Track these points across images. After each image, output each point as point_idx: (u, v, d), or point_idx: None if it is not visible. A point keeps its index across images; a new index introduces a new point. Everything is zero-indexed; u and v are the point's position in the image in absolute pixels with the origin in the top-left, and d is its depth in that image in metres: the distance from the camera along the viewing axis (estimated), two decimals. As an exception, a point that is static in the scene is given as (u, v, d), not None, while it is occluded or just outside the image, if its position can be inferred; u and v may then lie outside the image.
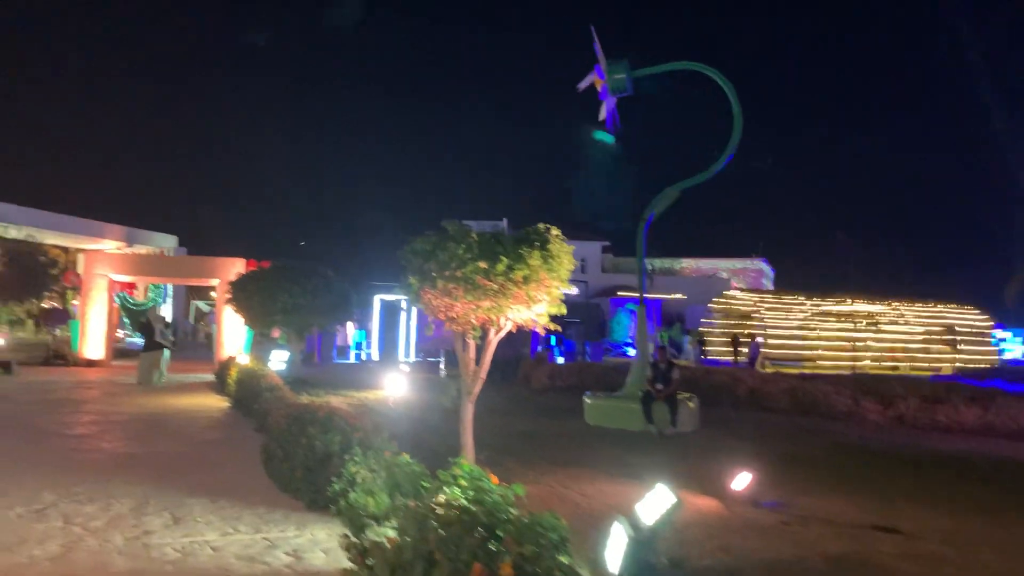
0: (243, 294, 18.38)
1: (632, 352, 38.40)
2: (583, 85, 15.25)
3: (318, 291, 18.19)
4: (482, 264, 8.15)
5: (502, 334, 9.20)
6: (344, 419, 8.10)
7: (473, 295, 8.36)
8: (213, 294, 64.58)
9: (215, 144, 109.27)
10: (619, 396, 14.68)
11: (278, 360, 21.13)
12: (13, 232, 33.17)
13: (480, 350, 9.47)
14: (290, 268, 18.39)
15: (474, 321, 8.78)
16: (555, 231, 8.62)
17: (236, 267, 23.59)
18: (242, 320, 22.59)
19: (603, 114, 15.30)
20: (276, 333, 27.63)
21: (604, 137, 15.17)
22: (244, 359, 16.08)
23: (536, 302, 8.53)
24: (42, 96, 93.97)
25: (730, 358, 30.92)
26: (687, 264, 59.52)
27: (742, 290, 39.56)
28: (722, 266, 58.81)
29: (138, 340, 34.49)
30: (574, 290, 42.99)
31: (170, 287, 37.09)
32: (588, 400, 14.74)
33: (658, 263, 58.77)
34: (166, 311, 39.66)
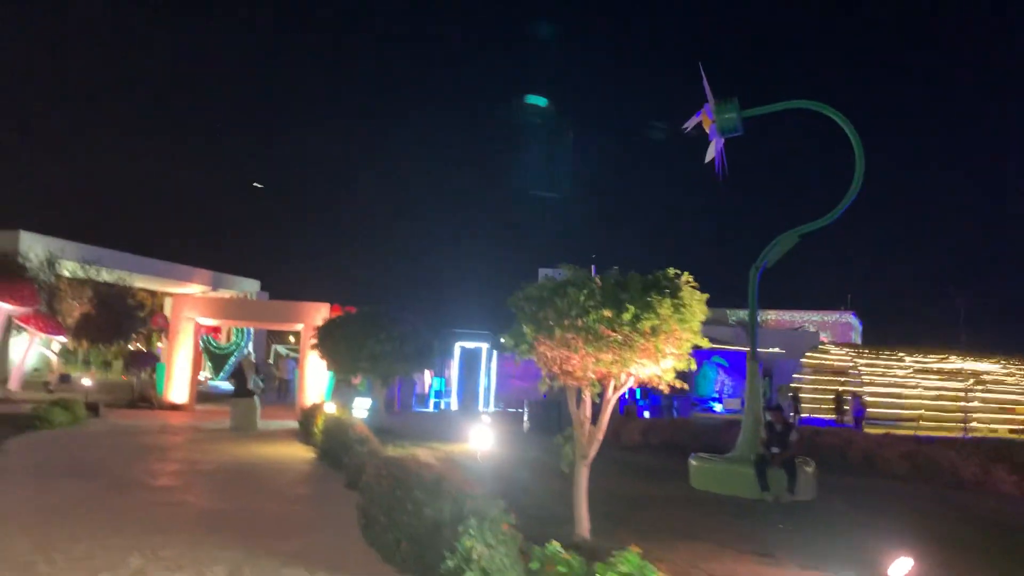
0: (330, 340, 17.93)
1: (718, 408, 36.98)
2: (690, 125, 14.47)
3: (405, 338, 17.63)
4: (607, 312, 7.35)
5: (622, 391, 8.34)
6: (455, 484, 7.31)
7: (594, 347, 7.55)
8: (291, 339, 65.44)
9: (297, 190, 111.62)
10: (729, 459, 13.59)
11: (361, 408, 20.57)
12: (104, 275, 33.73)
13: (596, 407, 8.62)
14: (377, 314, 17.88)
15: (592, 376, 7.95)
16: (686, 276, 7.78)
17: (321, 312, 23.25)
18: (325, 366, 22.23)
19: (711, 155, 14.48)
20: (357, 380, 27.22)
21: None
22: (331, 407, 15.52)
23: (664, 356, 7.66)
24: (129, 145, 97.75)
25: (831, 416, 29.28)
26: (772, 316, 57.66)
27: (837, 344, 37.78)
28: (808, 319, 56.78)
29: (219, 384, 34.64)
30: (706, 342, 41.87)
31: (251, 332, 37.24)
32: (694, 462, 13.68)
33: (741, 315, 57.09)
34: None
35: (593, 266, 8.28)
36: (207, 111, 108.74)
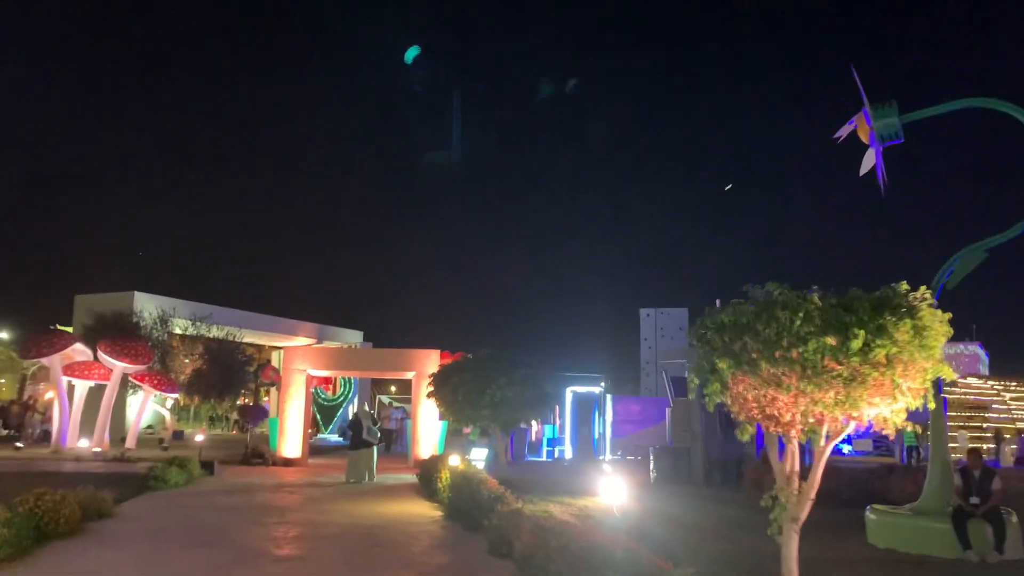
0: (447, 387, 16.74)
1: (846, 449, 34.19)
2: (843, 133, 12.86)
3: (527, 383, 16.29)
4: (830, 340, 5.82)
5: (840, 438, 6.76)
6: (641, 556, 5.87)
7: (813, 383, 6.02)
8: (393, 388, 64.99)
9: (393, 240, 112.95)
10: (915, 511, 11.67)
11: (477, 458, 19.21)
12: (214, 331, 33.70)
13: (800, 456, 7.06)
14: (498, 358, 16.63)
15: (807, 419, 6.40)
16: (922, 290, 6.22)
17: (431, 359, 22.19)
18: (438, 415, 21.05)
19: (868, 165, 12.79)
20: (467, 430, 25.94)
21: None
22: (455, 460, 14.23)
23: (902, 392, 6.07)
24: (231, 207, 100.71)
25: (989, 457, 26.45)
26: (889, 350, 54.06)
27: (979, 376, 34.69)
28: (930, 352, 53.01)
29: (328, 437, 33.99)
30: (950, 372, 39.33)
31: (357, 383, 36.58)
32: (872, 516, 11.82)
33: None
34: (352, 408, 39.26)
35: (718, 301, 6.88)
36: (299, 173, 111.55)
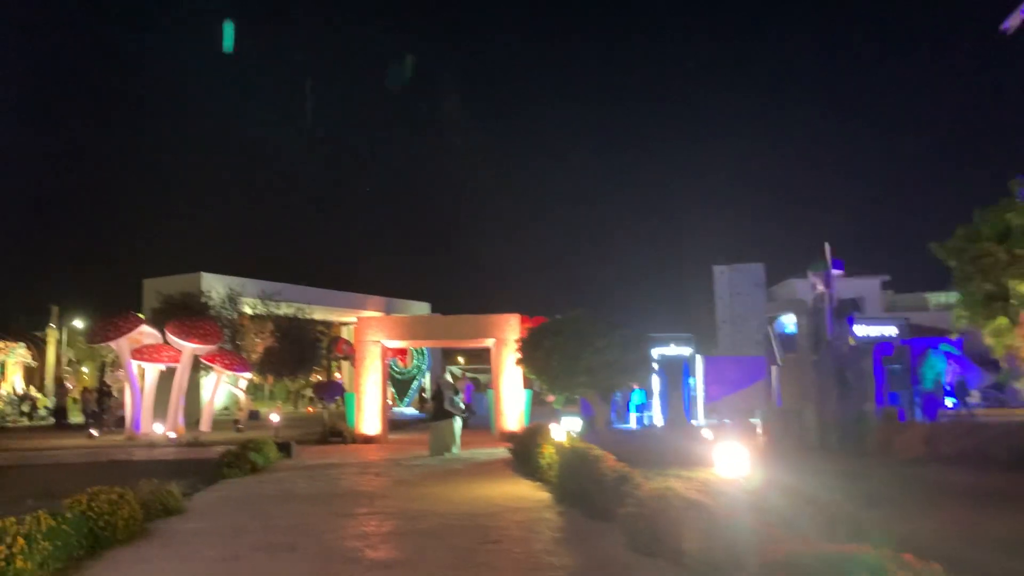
0: (538, 352, 14.90)
1: (951, 403, 31.45)
2: (1013, 24, 10.46)
3: (627, 345, 14.31)
4: None
5: None
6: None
7: None
8: (460, 359, 63.64)
9: (453, 207, 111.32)
10: None
11: (570, 428, 17.37)
12: (284, 309, 32.47)
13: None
14: (593, 319, 14.67)
15: None
16: None
17: (511, 324, 20.36)
18: (527, 382, 19.25)
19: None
20: (551, 398, 24.10)
21: None
22: (559, 433, 12.35)
23: None
24: (293, 189, 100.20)
25: None
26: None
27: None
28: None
29: (404, 410, 32.60)
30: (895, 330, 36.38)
31: (430, 354, 35.05)
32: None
33: (943, 298, 50.63)
34: (427, 380, 37.81)
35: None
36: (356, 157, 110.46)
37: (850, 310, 18.94)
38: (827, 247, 18.94)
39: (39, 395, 38.71)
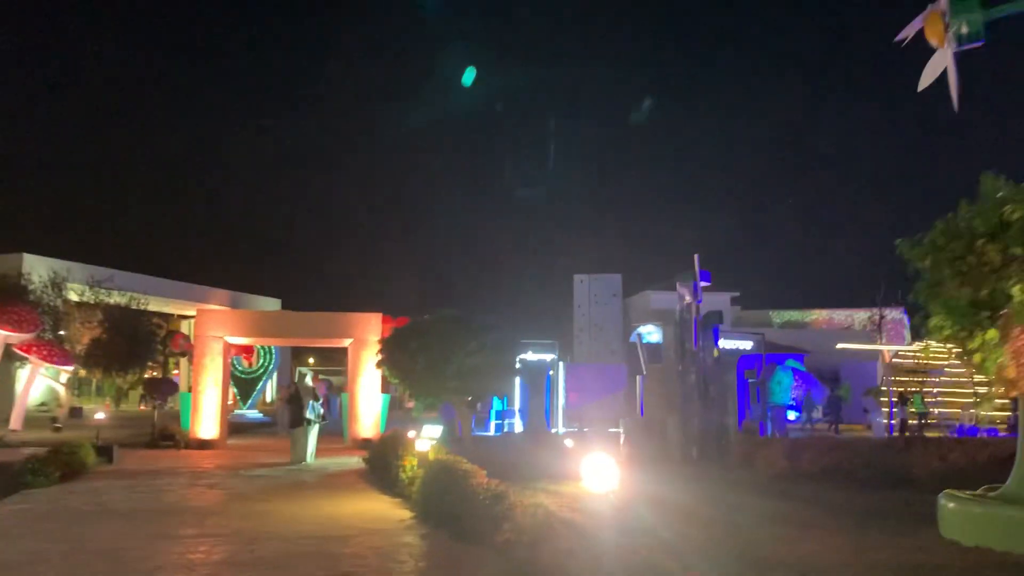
0: (403, 354, 13.65)
1: (793, 416, 32.46)
2: (907, 35, 10.18)
3: (501, 347, 13.33)
4: None
5: None
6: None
7: None
8: (311, 360, 60.98)
9: (309, 199, 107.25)
10: (1004, 499, 9.27)
11: (429, 436, 16.24)
12: (116, 297, 29.53)
13: None
14: (464, 319, 13.59)
15: None
16: None
17: (372, 323, 18.99)
18: (399, 387, 17.92)
19: (932, 75, 10.16)
20: (410, 404, 22.77)
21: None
22: (423, 444, 11.15)
23: None
24: (137, 167, 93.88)
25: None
26: (817, 315, 53.31)
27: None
28: (856, 317, 52.40)
29: (246, 413, 30.33)
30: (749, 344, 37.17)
31: (278, 353, 32.90)
32: (950, 504, 9.35)
33: (788, 315, 53.07)
34: (272, 382, 35.54)
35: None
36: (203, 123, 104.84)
37: (715, 322, 18.78)
38: (696, 258, 18.72)
39: None
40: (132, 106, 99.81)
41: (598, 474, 11.12)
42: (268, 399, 38.09)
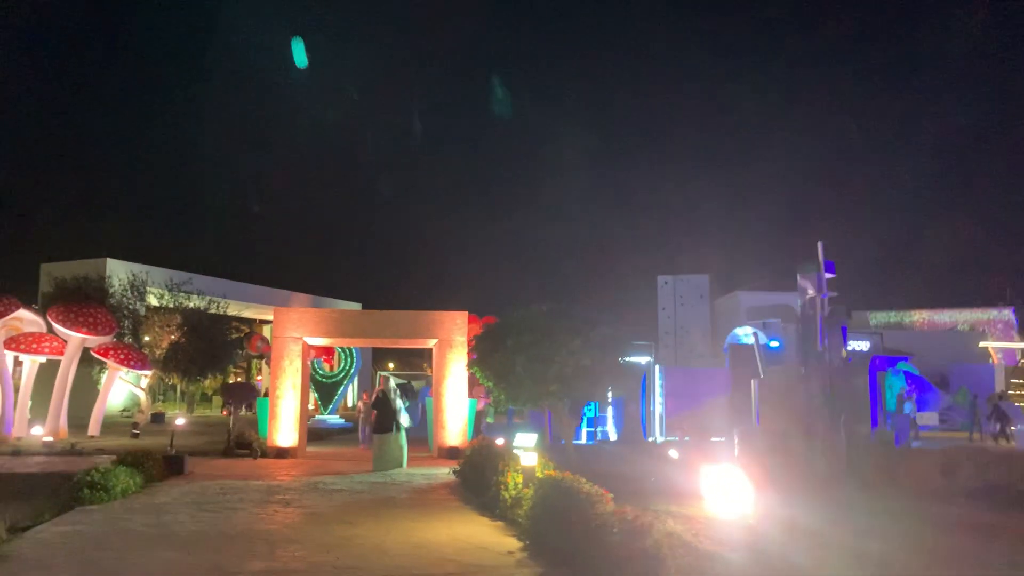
0: (497, 354, 11.88)
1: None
2: None
3: (608, 346, 11.45)
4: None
5: None
6: None
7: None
8: (391, 365, 60.03)
9: (386, 202, 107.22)
10: None
11: (523, 445, 14.46)
12: (195, 301, 28.73)
13: None
14: (567, 314, 11.75)
15: None
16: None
17: (458, 323, 17.31)
18: (474, 392, 16.23)
19: None
20: (482, 403, 20.96)
21: None
22: (529, 458, 9.34)
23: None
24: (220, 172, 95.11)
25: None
26: (919, 317, 49.68)
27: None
28: (961, 318, 48.63)
29: (327, 418, 29.11)
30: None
31: (360, 356, 31.63)
32: None
33: (882, 317, 49.60)
34: (354, 386, 34.32)
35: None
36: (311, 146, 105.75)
37: (842, 319, 16.52)
38: (820, 246, 16.49)
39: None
40: (209, 112, 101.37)
41: (725, 494, 9.16)
42: (350, 404, 36.98)
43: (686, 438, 22.18)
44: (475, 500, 10.75)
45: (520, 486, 9.08)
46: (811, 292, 16.17)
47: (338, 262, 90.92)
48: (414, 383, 34.68)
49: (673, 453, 17.31)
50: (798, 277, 16.63)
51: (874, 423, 17.88)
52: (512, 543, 8.18)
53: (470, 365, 13.54)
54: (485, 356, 12.50)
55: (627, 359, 21.92)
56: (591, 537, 6.78)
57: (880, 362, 30.01)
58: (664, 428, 22.65)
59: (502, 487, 9.44)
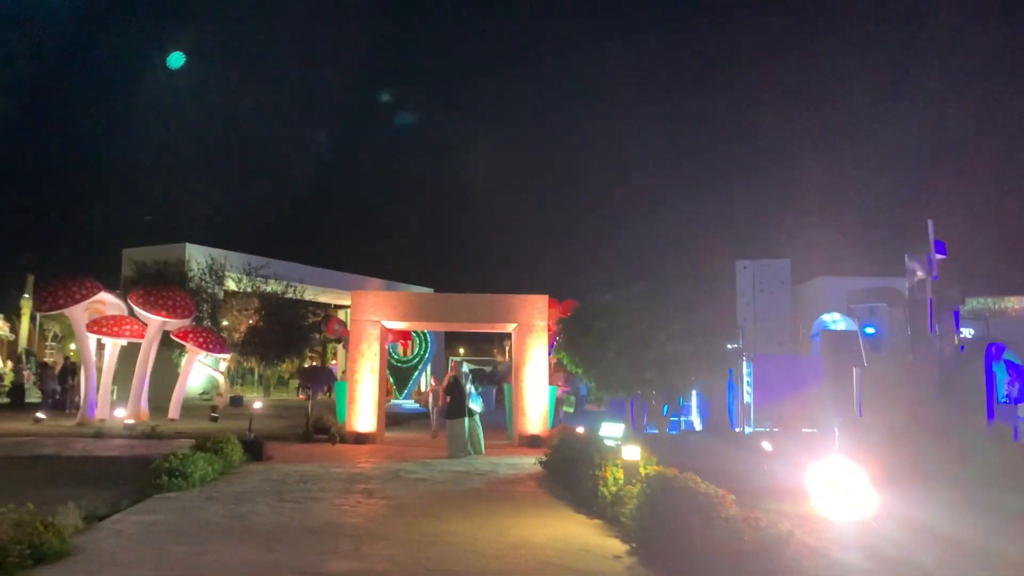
0: (587, 338, 11.06)
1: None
2: None
3: (711, 331, 10.53)
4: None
5: None
6: None
7: None
8: (462, 350, 59.75)
9: (455, 186, 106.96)
10: None
11: (609, 435, 13.63)
12: (272, 285, 28.69)
13: None
14: (663, 295, 10.86)
15: None
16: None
17: (539, 306, 16.57)
18: (555, 378, 15.45)
19: None
20: (562, 390, 20.15)
21: None
22: (631, 452, 8.51)
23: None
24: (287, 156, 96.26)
25: None
26: (1013, 303, 46.90)
27: None
28: (1066, 303, 45.67)
29: (402, 403, 28.82)
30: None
31: (433, 341, 31.23)
32: None
33: (976, 303, 46.98)
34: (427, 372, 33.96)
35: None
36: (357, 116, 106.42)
37: (955, 302, 15.22)
38: (929, 225, 15.20)
39: (7, 371, 34.85)
40: (280, 99, 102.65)
41: (839, 491, 8.18)
42: (423, 388, 36.75)
43: (775, 429, 21.04)
44: (567, 495, 9.98)
45: (621, 482, 8.27)
46: (920, 274, 14.92)
47: (409, 248, 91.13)
48: (486, 369, 34.20)
49: (767, 445, 16.27)
50: (906, 258, 15.36)
51: (990, 415, 16.44)
52: (616, 545, 7.39)
53: (555, 350, 12.78)
54: (573, 341, 11.71)
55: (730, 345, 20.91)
56: (716, 545, 5.94)
57: (997, 350, 28.12)
58: (753, 419, 21.53)
59: (599, 482, 8.65)
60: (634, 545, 7.26)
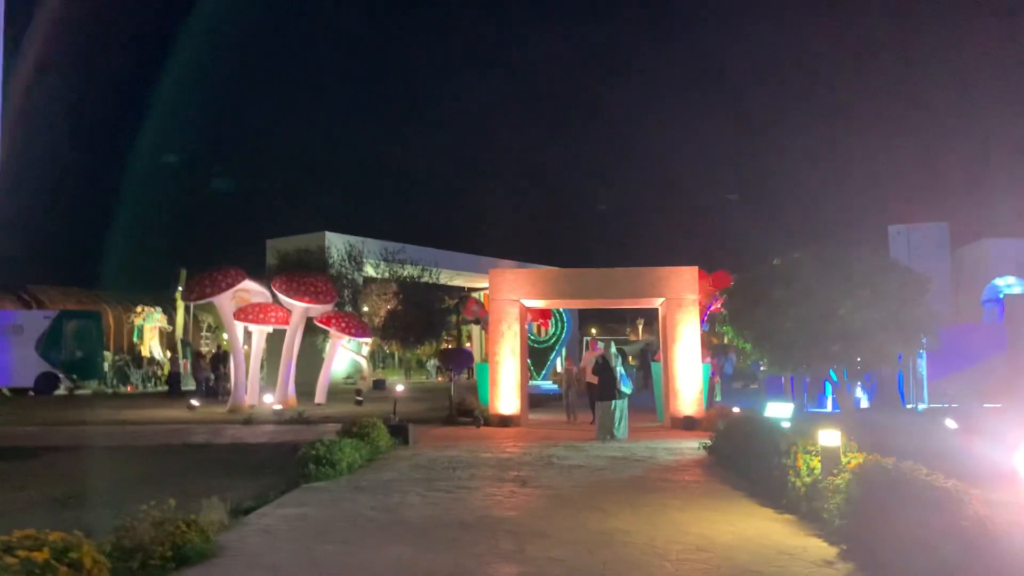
0: (759, 310, 9.76)
1: None
2: None
3: (905, 297, 9.00)
4: None
5: None
6: None
7: None
8: (594, 330, 58.57)
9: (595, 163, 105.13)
10: None
11: (776, 415, 12.24)
12: (409, 270, 28.54)
13: None
14: (846, 259, 9.41)
15: None
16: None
17: (688, 279, 15.36)
18: (710, 352, 14.17)
19: None
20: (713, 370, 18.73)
21: None
22: (831, 437, 7.23)
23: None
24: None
25: None
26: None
27: None
28: None
29: (540, 384, 28.08)
30: None
31: (571, 320, 30.28)
32: None
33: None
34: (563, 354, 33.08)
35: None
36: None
37: None
38: None
39: (165, 360, 36.57)
40: (407, 96, 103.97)
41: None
42: (559, 369, 35.96)
43: (954, 404, 18.89)
44: (743, 484, 8.80)
45: (817, 472, 7.04)
46: None
47: (535, 230, 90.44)
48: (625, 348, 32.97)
49: (951, 423, 14.45)
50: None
51: None
52: (821, 548, 6.20)
53: (724, 323, 11.56)
54: (742, 313, 10.45)
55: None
56: (968, 552, 4.69)
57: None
58: (927, 394, 19.43)
59: (789, 472, 7.44)
60: (845, 548, 6.06)
